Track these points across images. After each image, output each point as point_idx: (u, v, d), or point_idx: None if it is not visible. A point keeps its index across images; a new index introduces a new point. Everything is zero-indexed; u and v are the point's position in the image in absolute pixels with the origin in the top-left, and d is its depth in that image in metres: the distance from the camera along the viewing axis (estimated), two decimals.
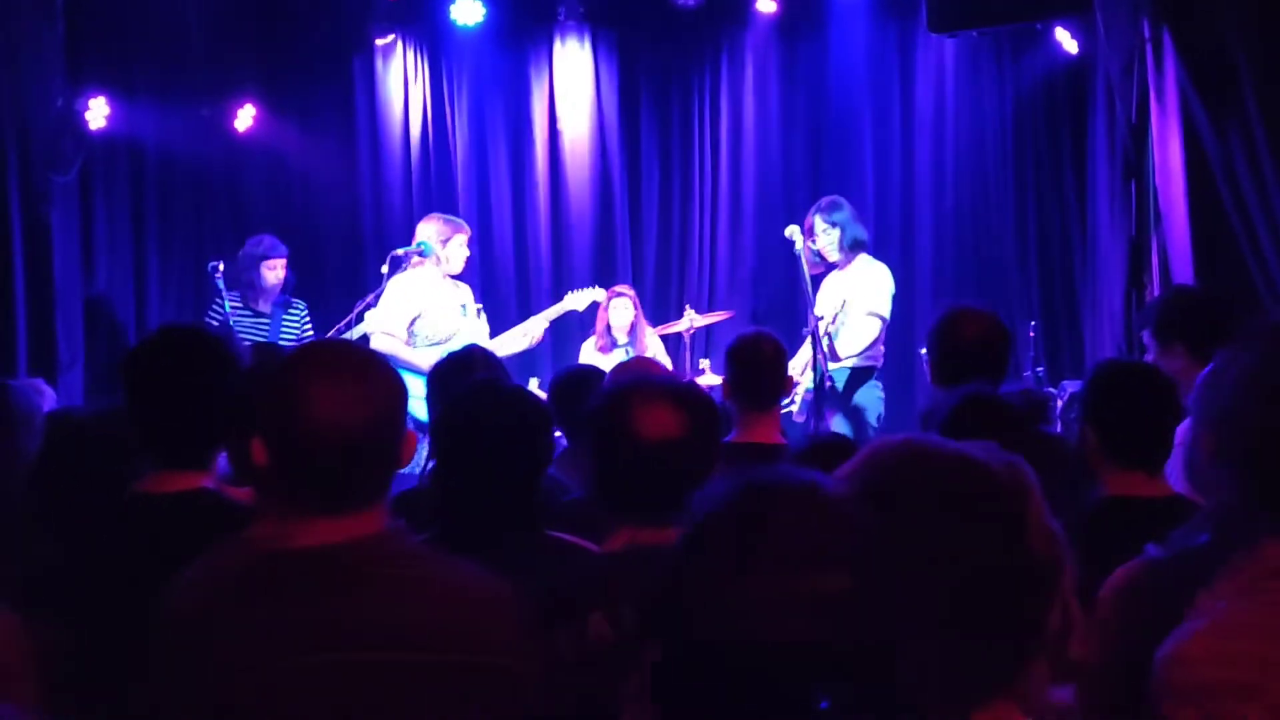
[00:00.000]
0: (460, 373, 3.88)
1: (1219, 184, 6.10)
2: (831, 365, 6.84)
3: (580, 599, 2.33)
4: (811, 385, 6.66)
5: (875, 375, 7.01)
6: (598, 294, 7.89)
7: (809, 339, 6.74)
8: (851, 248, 7.10)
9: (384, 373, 2.03)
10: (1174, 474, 3.11)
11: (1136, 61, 6.68)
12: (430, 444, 2.94)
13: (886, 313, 7.05)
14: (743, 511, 1.44)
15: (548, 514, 2.93)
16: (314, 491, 1.96)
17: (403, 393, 2.04)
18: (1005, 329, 4.04)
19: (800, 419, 6.91)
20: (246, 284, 7.56)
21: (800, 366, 6.92)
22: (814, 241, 7.16)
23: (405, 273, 7.25)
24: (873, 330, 6.98)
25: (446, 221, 7.38)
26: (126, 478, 2.63)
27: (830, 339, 6.81)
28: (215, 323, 7.32)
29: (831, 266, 7.21)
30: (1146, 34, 6.50)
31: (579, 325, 8.61)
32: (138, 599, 2.07)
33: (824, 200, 7.37)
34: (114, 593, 2.40)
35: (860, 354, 6.97)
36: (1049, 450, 3.48)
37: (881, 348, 7.08)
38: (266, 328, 7.56)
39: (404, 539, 2.03)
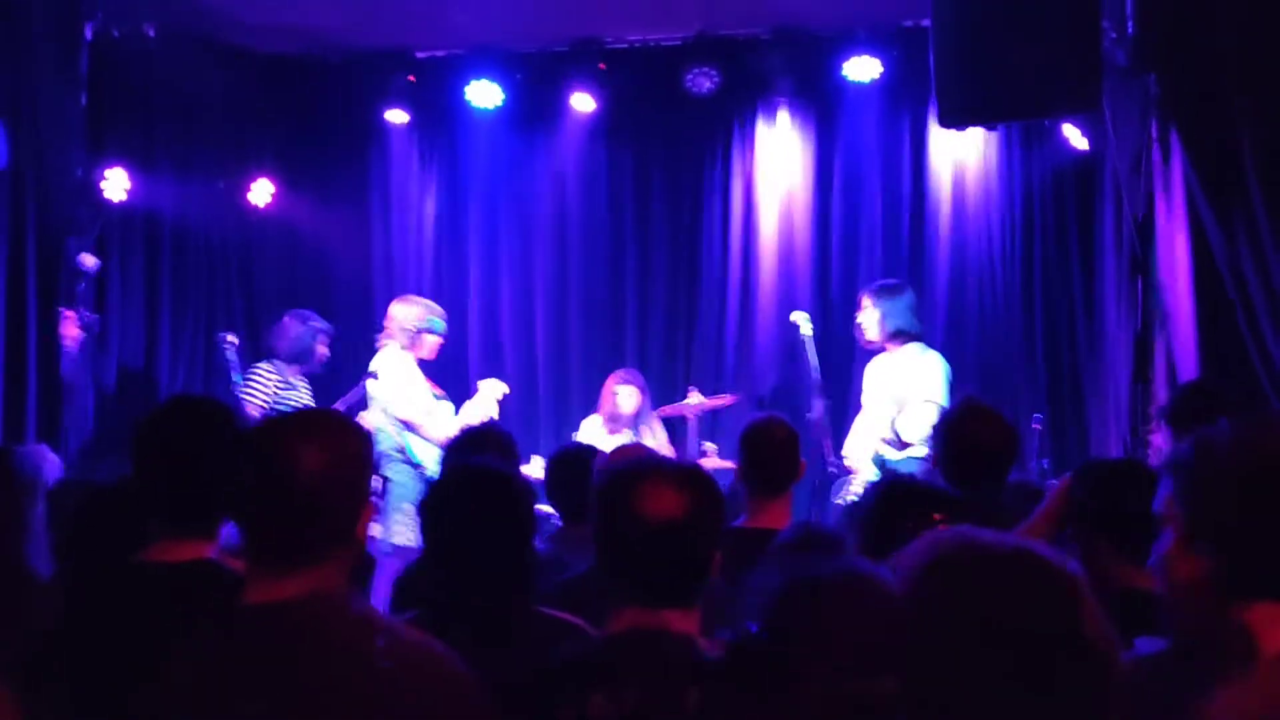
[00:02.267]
0: (471, 450, 3.91)
1: (1225, 282, 6.12)
2: (895, 455, 6.86)
3: (579, 679, 2.33)
4: (876, 476, 6.64)
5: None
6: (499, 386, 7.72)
7: (858, 423, 6.74)
8: (893, 336, 7.09)
9: (337, 440, 2.08)
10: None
11: (1144, 159, 6.74)
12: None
13: (943, 399, 6.93)
14: (793, 613, 1.45)
15: (544, 592, 2.95)
16: (263, 545, 2.04)
17: (356, 462, 2.09)
18: (1014, 430, 4.09)
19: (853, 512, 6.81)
20: (302, 355, 7.76)
21: (859, 453, 6.90)
22: (859, 315, 7.18)
23: (390, 353, 7.32)
24: (931, 416, 6.95)
25: (426, 307, 7.48)
26: (132, 546, 2.64)
27: (896, 433, 6.80)
28: (251, 393, 7.43)
29: (875, 348, 7.20)
30: (1154, 133, 6.57)
31: (580, 402, 8.65)
32: (134, 668, 2.08)
33: (881, 281, 7.40)
34: (111, 662, 2.40)
35: (925, 441, 6.95)
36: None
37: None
38: (309, 394, 7.70)
39: (341, 603, 2.06)
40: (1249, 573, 1.87)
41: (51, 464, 5.12)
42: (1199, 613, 1.92)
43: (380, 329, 7.62)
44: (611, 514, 2.48)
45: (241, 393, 7.46)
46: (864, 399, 7.26)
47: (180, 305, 8.81)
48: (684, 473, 2.56)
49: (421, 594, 2.89)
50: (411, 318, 7.43)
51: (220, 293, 9.13)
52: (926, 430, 6.91)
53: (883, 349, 7.18)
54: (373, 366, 7.35)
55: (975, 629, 1.48)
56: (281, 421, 2.16)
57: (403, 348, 7.36)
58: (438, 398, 7.48)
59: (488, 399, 7.38)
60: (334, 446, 2.05)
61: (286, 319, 7.90)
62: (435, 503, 2.95)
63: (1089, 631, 1.54)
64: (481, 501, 2.87)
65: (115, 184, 8.07)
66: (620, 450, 4.73)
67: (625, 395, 7.92)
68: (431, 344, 7.47)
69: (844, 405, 7.88)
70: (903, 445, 6.87)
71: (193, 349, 8.84)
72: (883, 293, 7.17)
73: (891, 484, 3.15)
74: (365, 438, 2.14)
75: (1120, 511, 3.05)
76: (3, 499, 3.43)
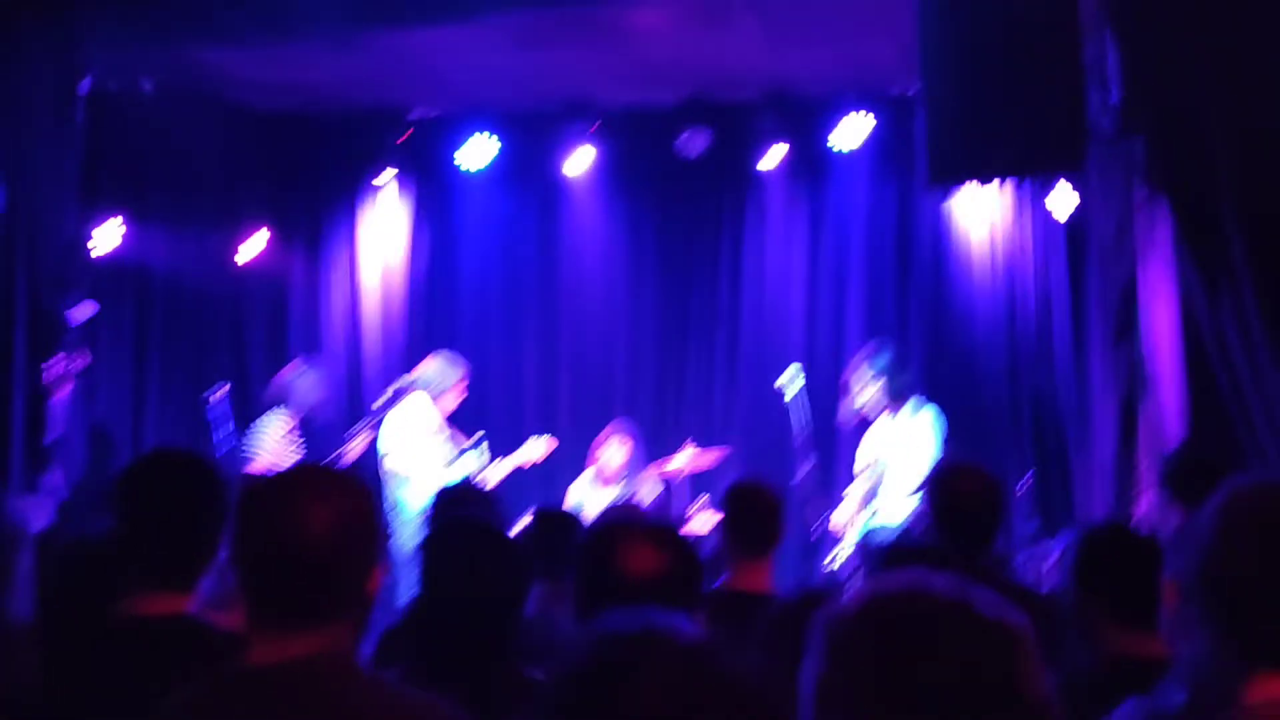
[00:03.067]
0: (453, 507, 3.90)
1: (1208, 348, 6.14)
2: (881, 519, 6.89)
3: None
4: (861, 538, 6.68)
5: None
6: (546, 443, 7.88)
7: (854, 487, 6.76)
8: (896, 397, 7.13)
9: (346, 498, 2.04)
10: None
11: (1129, 224, 6.78)
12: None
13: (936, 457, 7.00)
14: (600, 666, 1.44)
15: (531, 651, 2.93)
16: (269, 606, 1.99)
17: (365, 519, 2.05)
18: (999, 486, 4.08)
19: (840, 579, 6.83)
20: (315, 404, 7.90)
21: (846, 520, 6.90)
22: (862, 390, 7.20)
23: (416, 404, 7.40)
24: (913, 505, 6.99)
25: (453, 365, 7.53)
26: (113, 599, 2.64)
27: (873, 491, 6.81)
28: (263, 441, 7.55)
29: (878, 411, 7.24)
30: (1140, 197, 6.61)
31: (570, 460, 8.65)
32: None
33: (869, 349, 7.44)
34: (84, 715, 2.39)
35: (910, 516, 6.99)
36: (1025, 604, 3.49)
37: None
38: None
39: (349, 663, 2.03)
40: (1259, 642, 1.86)
41: (39, 517, 5.12)
42: (1211, 678, 1.91)
43: (365, 383, 7.70)
44: (592, 571, 2.49)
45: (250, 445, 7.51)
46: (856, 468, 7.29)
47: (170, 357, 8.82)
48: (663, 533, 2.57)
49: (406, 648, 2.86)
50: (435, 372, 7.53)
51: (209, 346, 9.14)
52: (905, 515, 6.95)
53: (892, 410, 7.26)
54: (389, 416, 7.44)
55: (903, 680, 1.46)
56: (289, 479, 2.11)
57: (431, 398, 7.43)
58: (462, 449, 7.52)
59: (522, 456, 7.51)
60: (345, 506, 2.02)
61: (295, 369, 7.99)
62: (430, 557, 2.90)
63: (1025, 689, 1.49)
64: (479, 562, 2.84)
65: (108, 236, 8.09)
66: (608, 510, 4.73)
67: (611, 447, 7.93)
68: (449, 402, 7.55)
69: (831, 464, 7.89)
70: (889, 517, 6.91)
71: (181, 401, 8.82)
72: (876, 359, 7.23)
73: (894, 547, 3.12)
74: (373, 494, 2.11)
75: (1117, 576, 3.02)
76: None
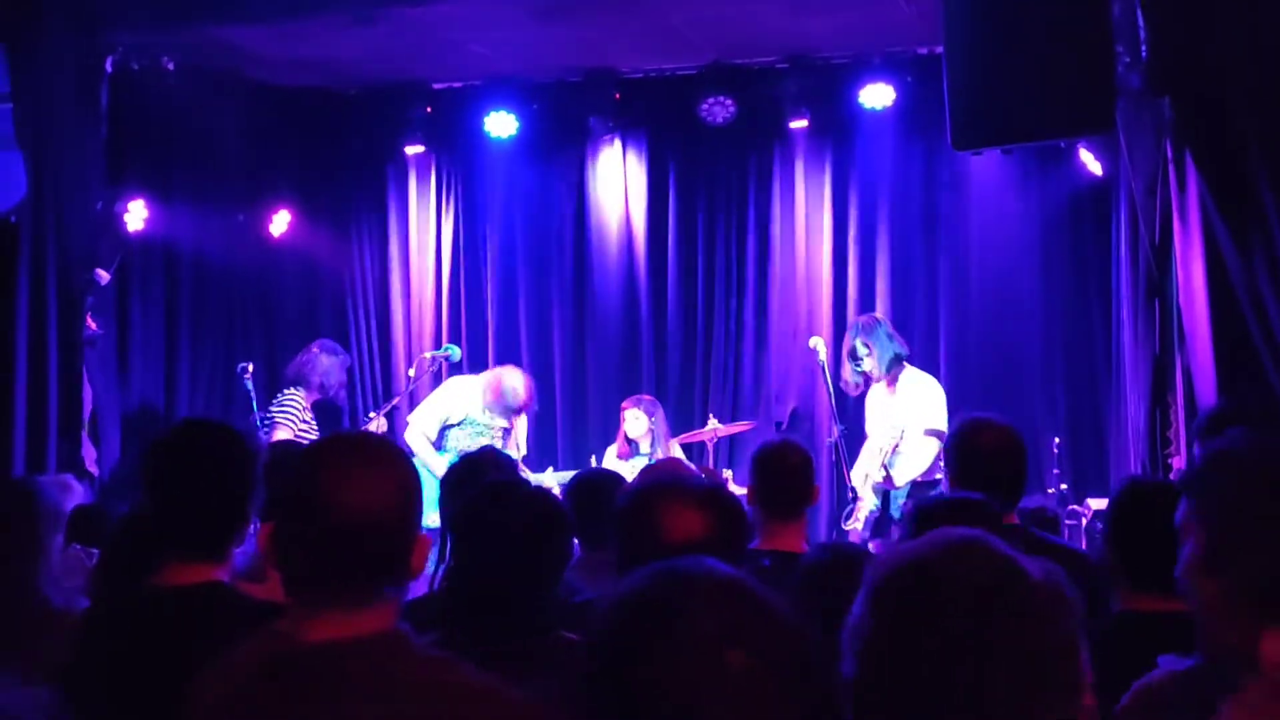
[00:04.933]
0: (475, 474, 3.87)
1: (1242, 304, 6.10)
2: (897, 484, 7.00)
3: None
4: (876, 504, 6.73)
5: (938, 487, 7.02)
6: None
7: (865, 451, 6.82)
8: (893, 364, 7.19)
9: (400, 467, 1.98)
10: None
11: (1159, 182, 6.72)
12: (443, 546, 2.92)
13: (944, 426, 7.09)
14: (653, 597, 1.44)
15: (560, 616, 2.91)
16: (323, 580, 1.92)
17: (417, 489, 1.99)
18: (1021, 440, 4.04)
19: (862, 537, 6.87)
20: (329, 386, 7.97)
21: (862, 480, 6.95)
22: (858, 365, 7.26)
23: (461, 377, 7.45)
24: (933, 449, 7.04)
25: (526, 388, 7.56)
26: (146, 571, 2.65)
27: (887, 469, 6.87)
28: (285, 420, 7.64)
29: (873, 381, 7.30)
30: (1169, 155, 6.55)
31: (596, 428, 8.67)
32: (142, 691, 2.07)
33: (860, 321, 7.50)
34: (120, 685, 2.41)
35: (923, 475, 7.03)
36: (1062, 561, 3.48)
37: (942, 463, 7.13)
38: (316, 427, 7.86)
39: (409, 640, 1.97)
40: (1271, 597, 1.84)
41: (75, 493, 5.17)
42: (1224, 632, 1.89)
43: (393, 356, 7.72)
44: (634, 534, 2.46)
45: (272, 419, 7.58)
46: (868, 427, 7.32)
47: (199, 335, 8.87)
48: (707, 493, 2.55)
49: (433, 616, 2.83)
50: (506, 389, 7.55)
51: (239, 323, 9.20)
52: (928, 463, 6.98)
53: (889, 382, 7.35)
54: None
55: (935, 637, 1.46)
56: (337, 450, 2.00)
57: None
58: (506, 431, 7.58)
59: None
60: (397, 475, 1.96)
61: (318, 350, 8.01)
62: (474, 520, 2.82)
63: (1065, 661, 1.49)
64: (525, 525, 2.76)
65: (135, 215, 8.13)
66: (652, 467, 4.70)
67: (632, 420, 7.94)
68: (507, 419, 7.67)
69: (860, 429, 7.88)
70: (894, 485, 6.96)
71: (211, 379, 8.89)
72: (869, 330, 7.33)
73: (934, 503, 3.08)
74: (409, 459, 2.05)
75: (1131, 530, 3.00)
76: (23, 528, 3.46)
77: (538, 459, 7.65)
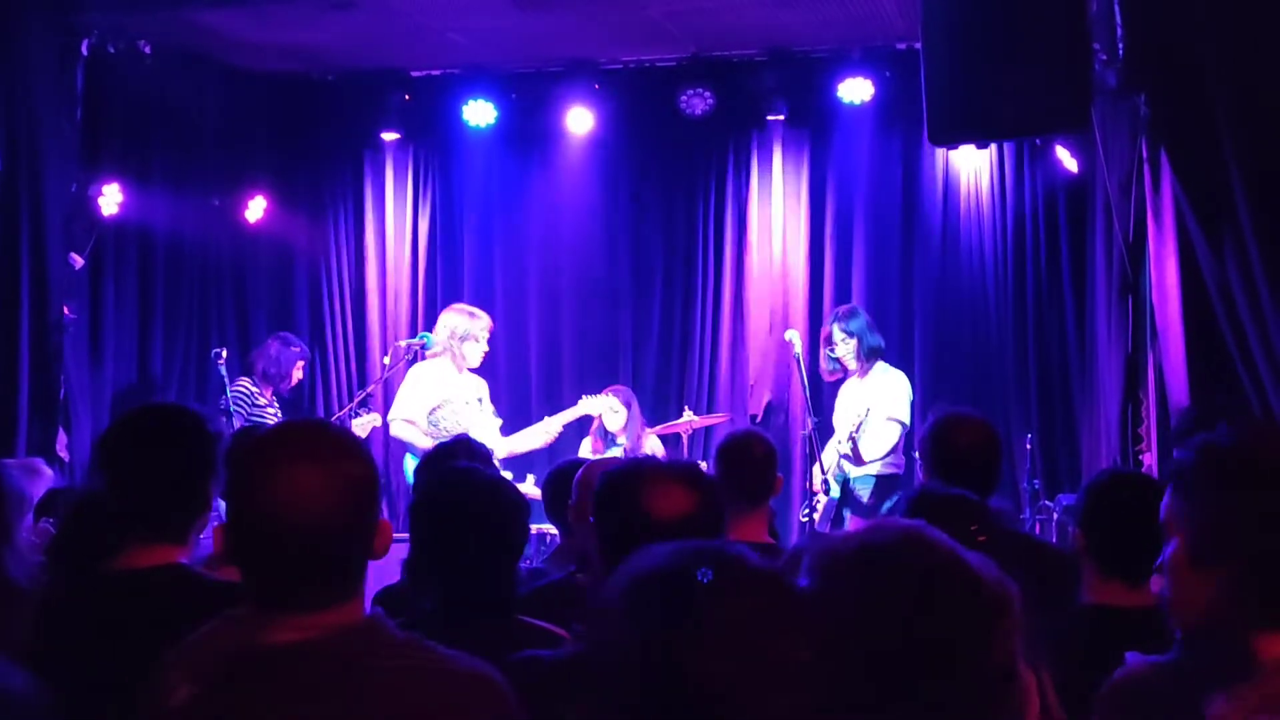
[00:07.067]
0: (445, 461, 3.88)
1: (1214, 303, 6.13)
2: (855, 471, 6.99)
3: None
4: (837, 494, 6.78)
5: (899, 484, 7.05)
6: (611, 400, 7.90)
7: (829, 444, 6.86)
8: (869, 355, 7.26)
9: (349, 460, 1.91)
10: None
11: (1134, 180, 6.75)
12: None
13: (907, 418, 7.27)
14: (678, 575, 1.44)
15: (523, 599, 2.92)
16: (283, 585, 1.87)
17: (371, 479, 1.93)
18: (996, 435, 4.05)
19: (822, 528, 6.90)
20: (278, 377, 7.99)
21: (820, 476, 7.00)
22: (833, 350, 7.35)
23: (426, 362, 7.42)
24: (893, 435, 7.13)
25: (470, 316, 7.49)
26: (99, 553, 2.64)
27: (854, 444, 6.92)
28: (236, 408, 7.63)
29: (849, 373, 7.36)
30: (1144, 153, 6.58)
31: (574, 423, 8.65)
32: (102, 673, 2.06)
33: (841, 309, 7.55)
34: (80, 668, 2.39)
35: (883, 459, 7.07)
36: (1021, 551, 3.49)
37: (903, 456, 7.18)
38: (276, 417, 7.82)
39: (385, 628, 1.94)
40: (1263, 600, 1.84)
41: (44, 477, 5.14)
42: (1211, 628, 1.90)
43: (368, 342, 7.68)
44: (619, 513, 2.45)
45: (230, 407, 7.60)
46: (835, 419, 7.37)
47: (173, 320, 8.82)
48: (689, 472, 2.55)
49: (403, 600, 2.84)
50: (450, 326, 7.48)
51: (213, 308, 9.16)
52: (887, 447, 7.04)
53: (855, 373, 7.41)
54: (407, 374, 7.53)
55: (875, 628, 1.47)
56: (276, 451, 1.90)
57: (445, 356, 7.43)
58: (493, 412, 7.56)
59: (553, 430, 7.57)
60: (352, 470, 1.89)
61: (271, 340, 8.11)
62: (430, 508, 2.86)
63: (995, 657, 1.50)
64: (480, 512, 2.80)
65: (109, 199, 8.08)
66: (595, 464, 4.70)
67: (610, 413, 7.92)
68: (471, 353, 7.50)
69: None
70: (860, 461, 6.97)
71: (185, 364, 8.86)
72: (849, 318, 7.40)
73: (922, 495, 3.08)
74: (365, 448, 1.99)
75: (1106, 516, 3.00)
76: None
77: (515, 459, 7.61)
